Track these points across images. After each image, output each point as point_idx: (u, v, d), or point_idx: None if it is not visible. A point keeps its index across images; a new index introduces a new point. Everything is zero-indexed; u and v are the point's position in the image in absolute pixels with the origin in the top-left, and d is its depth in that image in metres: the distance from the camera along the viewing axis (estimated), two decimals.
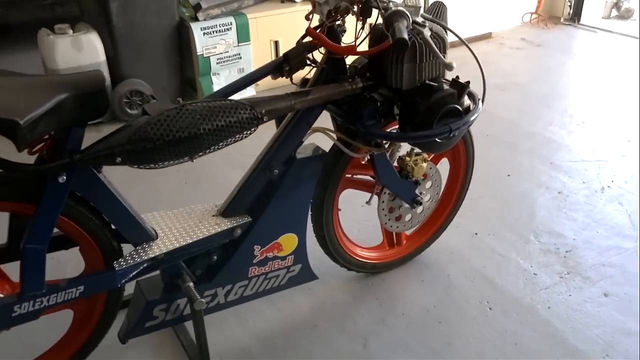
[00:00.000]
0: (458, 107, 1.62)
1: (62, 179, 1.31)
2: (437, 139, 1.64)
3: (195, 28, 3.53)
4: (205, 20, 3.55)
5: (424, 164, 1.91)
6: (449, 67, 1.43)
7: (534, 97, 3.75)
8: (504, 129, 3.29)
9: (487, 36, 4.91)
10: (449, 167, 2.16)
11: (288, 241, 1.79)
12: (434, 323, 1.94)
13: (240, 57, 3.76)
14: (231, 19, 3.64)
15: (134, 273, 1.51)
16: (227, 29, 3.65)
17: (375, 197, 1.96)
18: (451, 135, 1.62)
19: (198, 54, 3.60)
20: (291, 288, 1.93)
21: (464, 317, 1.96)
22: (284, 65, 1.58)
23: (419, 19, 1.51)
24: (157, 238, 1.58)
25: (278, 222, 1.74)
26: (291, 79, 1.63)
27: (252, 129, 1.46)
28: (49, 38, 3.26)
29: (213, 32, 3.60)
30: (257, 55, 3.83)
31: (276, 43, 3.91)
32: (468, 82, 1.63)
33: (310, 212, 1.85)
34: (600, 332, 1.87)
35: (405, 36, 1.34)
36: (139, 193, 2.59)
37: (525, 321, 1.93)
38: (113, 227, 1.49)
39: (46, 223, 1.34)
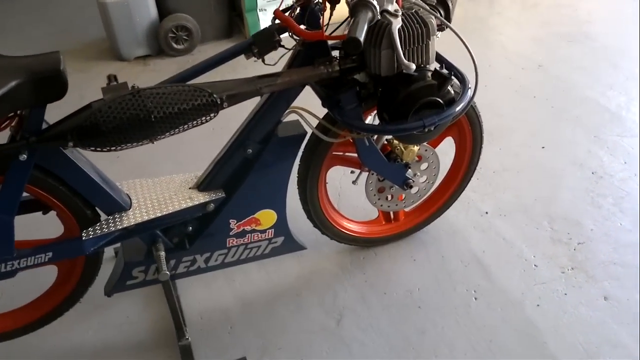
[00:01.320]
0: (438, 99, 1.50)
1: (23, 157, 1.37)
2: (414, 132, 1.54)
3: None
4: None
5: (415, 148, 1.81)
6: (407, 67, 1.32)
7: (603, 52, 3.37)
8: (555, 90, 3.02)
9: None
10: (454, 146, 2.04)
11: (266, 216, 1.80)
12: (414, 307, 1.92)
13: None
14: None
15: (103, 242, 1.59)
16: None
17: (365, 176, 1.91)
18: (425, 130, 1.52)
19: None
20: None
21: (446, 304, 1.92)
22: (252, 46, 1.52)
23: (392, 7, 1.37)
24: (129, 208, 1.64)
25: (254, 198, 1.75)
26: (263, 60, 1.57)
27: (212, 115, 1.43)
28: None
29: None
30: None
31: None
32: (450, 74, 1.49)
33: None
34: (585, 340, 1.78)
35: (360, 35, 1.23)
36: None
37: (508, 317, 1.86)
38: None
39: (11, 196, 1.42)
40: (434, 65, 1.58)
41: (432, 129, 1.54)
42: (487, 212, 2.27)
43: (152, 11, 3.49)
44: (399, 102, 1.50)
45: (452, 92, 1.53)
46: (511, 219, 2.23)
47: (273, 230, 1.84)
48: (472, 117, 1.91)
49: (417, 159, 1.91)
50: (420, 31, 1.45)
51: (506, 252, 2.09)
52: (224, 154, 1.68)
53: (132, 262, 1.73)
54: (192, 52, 3.61)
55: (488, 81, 3.10)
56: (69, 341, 1.87)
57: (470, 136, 1.97)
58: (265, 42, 1.51)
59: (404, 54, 1.46)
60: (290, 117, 1.67)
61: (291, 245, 1.93)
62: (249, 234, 1.82)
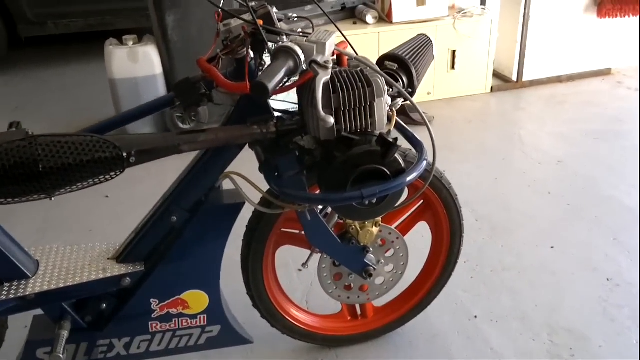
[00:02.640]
0: (382, 168, 1.27)
1: None
2: (355, 204, 1.31)
3: None
4: None
5: (373, 229, 1.56)
6: (324, 121, 1.11)
7: (633, 151, 3.07)
8: (574, 188, 2.72)
9: (604, 72, 4.20)
10: (430, 234, 1.78)
11: (195, 298, 1.55)
12: None
13: None
14: None
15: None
16: None
17: (317, 258, 1.65)
18: (366, 202, 1.28)
19: None
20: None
21: None
22: (174, 100, 1.37)
23: (321, 58, 1.19)
24: (33, 276, 1.44)
25: (178, 276, 1.52)
26: (190, 116, 1.41)
27: (117, 172, 1.25)
28: (109, 48, 3.36)
29: None
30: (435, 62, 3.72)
31: (454, 53, 3.79)
32: (395, 140, 1.27)
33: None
34: None
35: (268, 80, 1.06)
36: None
37: None
38: None
39: None
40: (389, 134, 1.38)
41: (374, 201, 1.30)
42: (476, 316, 1.93)
43: (161, 90, 3.48)
44: (334, 169, 1.28)
45: (402, 162, 1.30)
46: (504, 326, 1.88)
47: (205, 316, 1.59)
48: (447, 201, 1.67)
49: (380, 243, 1.65)
50: (361, 90, 1.26)
51: None
52: (147, 219, 1.48)
53: (34, 340, 1.50)
54: None
55: (499, 174, 2.85)
56: None
57: (446, 223, 1.70)
58: (187, 94, 1.36)
59: (343, 114, 1.27)
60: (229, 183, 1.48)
61: (231, 337, 1.66)
62: (175, 318, 1.57)
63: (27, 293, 1.39)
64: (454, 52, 3.79)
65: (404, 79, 1.50)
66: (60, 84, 4.59)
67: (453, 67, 3.85)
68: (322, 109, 1.24)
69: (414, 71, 1.50)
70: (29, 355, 1.51)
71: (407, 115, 3.44)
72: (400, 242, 1.66)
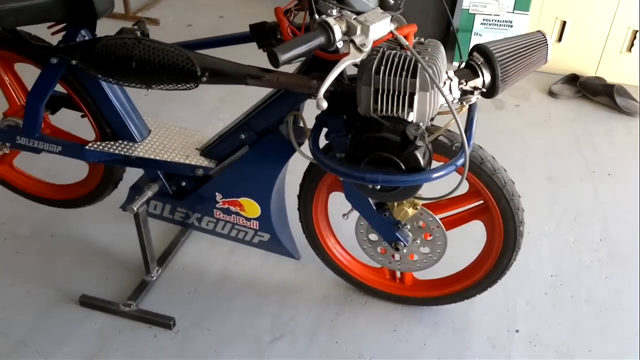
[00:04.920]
0: (395, 159, 1.29)
1: (54, 61, 1.64)
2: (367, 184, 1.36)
3: None
4: None
5: (409, 209, 1.58)
6: (319, 104, 1.16)
7: None
8: None
9: None
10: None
11: (249, 205, 1.80)
12: None
13: (512, 26, 3.33)
14: None
15: (103, 158, 1.80)
16: None
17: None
18: (370, 186, 1.33)
19: (463, 7, 3.35)
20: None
21: None
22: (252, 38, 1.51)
23: (360, 40, 1.21)
24: (140, 141, 1.81)
25: (238, 183, 1.76)
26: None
27: (191, 84, 1.48)
28: None
29: None
30: (534, 30, 3.32)
31: (563, 24, 3.30)
32: (422, 138, 1.25)
33: None
34: None
35: (282, 54, 1.13)
36: None
37: None
38: None
39: (42, 89, 1.71)
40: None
41: (378, 187, 1.34)
42: (517, 331, 1.85)
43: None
44: (355, 144, 1.34)
45: (422, 160, 1.30)
46: (539, 354, 1.78)
47: (257, 223, 1.83)
48: (505, 212, 1.59)
49: (421, 225, 1.67)
50: (402, 79, 1.26)
51: None
52: (227, 129, 1.73)
53: (135, 187, 1.92)
54: None
55: None
56: (82, 229, 2.20)
57: (500, 233, 1.63)
58: (262, 37, 1.49)
59: (381, 97, 1.30)
60: None
61: (279, 248, 1.90)
62: (234, 215, 1.84)
63: (130, 154, 1.78)
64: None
65: (486, 75, 1.41)
66: None
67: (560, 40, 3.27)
68: (365, 85, 1.29)
69: (498, 71, 1.40)
70: (130, 197, 1.94)
71: (612, 98, 3.04)
72: (440, 231, 1.65)
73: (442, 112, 1.47)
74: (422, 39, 1.39)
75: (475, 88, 1.42)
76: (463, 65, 1.45)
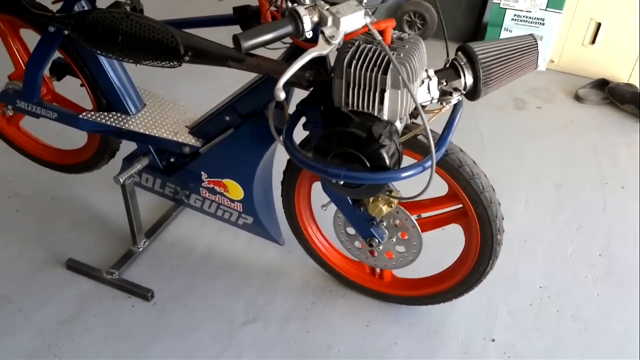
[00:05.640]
0: (359, 155, 1.27)
1: (51, 29, 1.67)
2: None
3: None
4: None
5: (383, 206, 1.55)
6: (276, 94, 1.15)
7: None
8: None
9: None
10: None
11: (233, 187, 1.80)
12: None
13: (543, 24, 3.21)
14: None
15: (96, 128, 1.83)
16: None
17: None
18: (333, 180, 1.31)
19: (495, 1, 3.24)
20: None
21: None
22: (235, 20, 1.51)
23: (330, 32, 1.18)
24: (134, 114, 1.84)
25: (221, 164, 1.77)
26: None
27: (174, 62, 1.49)
28: None
29: None
30: (566, 30, 3.20)
31: (598, 25, 3.15)
32: (388, 136, 1.22)
33: None
34: None
35: (245, 41, 1.12)
36: None
37: None
38: None
39: (41, 56, 1.75)
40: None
41: (340, 183, 1.32)
42: (494, 340, 1.81)
43: None
44: (324, 137, 1.33)
45: (388, 159, 1.27)
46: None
47: (241, 205, 1.84)
48: (482, 218, 1.54)
49: (398, 224, 1.64)
50: (373, 74, 1.23)
51: None
52: (214, 110, 1.73)
53: (127, 159, 1.94)
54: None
55: None
56: (82, 195, 2.27)
57: (477, 238, 1.59)
58: (245, 19, 1.47)
59: (352, 91, 1.27)
60: None
61: (261, 231, 1.91)
62: (219, 195, 1.86)
63: (122, 126, 1.80)
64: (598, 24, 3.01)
65: (468, 77, 1.37)
66: None
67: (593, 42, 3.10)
68: (337, 78, 1.27)
69: (480, 73, 1.35)
70: (123, 169, 1.96)
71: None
72: (415, 231, 1.62)
73: (428, 110, 1.45)
74: (404, 34, 1.35)
75: (456, 89, 1.38)
76: (448, 64, 1.41)
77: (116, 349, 1.73)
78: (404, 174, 1.29)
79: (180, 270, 1.99)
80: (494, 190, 1.55)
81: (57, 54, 1.80)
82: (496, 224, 1.55)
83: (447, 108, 1.42)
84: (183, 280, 1.96)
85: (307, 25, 1.18)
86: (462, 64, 1.36)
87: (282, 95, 1.15)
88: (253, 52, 1.42)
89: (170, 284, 1.93)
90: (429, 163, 1.28)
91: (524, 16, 3.22)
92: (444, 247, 1.85)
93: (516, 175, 2.51)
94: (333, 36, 1.20)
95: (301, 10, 1.17)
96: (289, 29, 1.18)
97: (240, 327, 1.82)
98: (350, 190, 1.37)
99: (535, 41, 1.41)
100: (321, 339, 1.79)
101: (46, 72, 1.94)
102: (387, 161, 1.27)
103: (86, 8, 1.68)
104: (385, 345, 1.78)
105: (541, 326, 1.87)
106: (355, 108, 1.29)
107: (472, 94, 1.40)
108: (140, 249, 2.02)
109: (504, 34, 3.31)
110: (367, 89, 1.26)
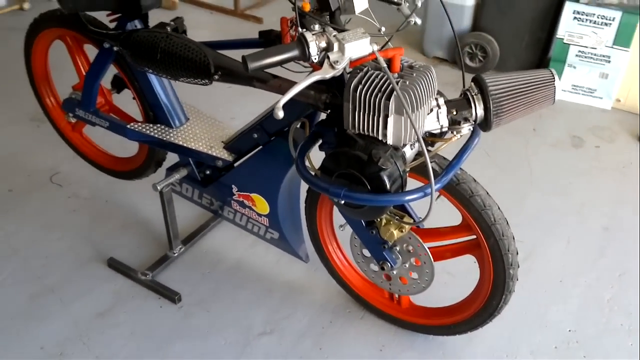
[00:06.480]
0: (360, 176, 1.31)
1: (107, 45, 1.85)
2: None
3: (568, 8, 3.09)
4: (586, 4, 3.03)
5: (394, 230, 1.57)
6: (275, 112, 1.21)
7: None
8: None
9: None
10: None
11: (260, 202, 1.88)
12: None
13: (609, 62, 3.11)
14: (616, 14, 2.99)
15: (142, 138, 1.98)
16: (606, 23, 3.03)
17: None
18: (335, 200, 1.36)
19: (558, 36, 3.19)
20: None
21: None
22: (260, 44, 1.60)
23: (334, 57, 1.24)
24: (176, 127, 1.97)
25: (250, 179, 1.85)
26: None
27: (205, 80, 1.60)
28: None
29: (586, 20, 3.07)
30: (634, 68, 3.07)
31: None
32: (388, 162, 1.27)
33: None
34: None
35: (252, 62, 1.20)
36: None
37: None
38: None
39: (96, 70, 1.94)
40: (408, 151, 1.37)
41: (341, 202, 1.37)
42: None
43: (466, 22, 3.51)
44: (330, 157, 1.38)
45: (388, 183, 1.30)
46: None
47: (267, 220, 1.91)
48: (494, 251, 1.53)
49: (410, 249, 1.65)
50: (377, 100, 1.27)
51: None
52: (246, 127, 1.82)
53: (170, 169, 2.08)
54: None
55: None
56: (133, 200, 2.43)
57: (490, 271, 1.57)
58: (269, 43, 1.56)
59: (356, 115, 1.32)
60: None
61: (286, 247, 1.97)
62: (248, 208, 1.94)
63: (164, 138, 1.94)
64: None
65: (479, 108, 1.37)
66: None
67: None
68: (346, 101, 1.32)
69: (490, 105, 1.36)
70: (166, 177, 2.10)
71: None
72: (427, 258, 1.62)
73: (441, 139, 1.47)
74: (415, 63, 1.38)
75: (466, 119, 1.39)
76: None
77: (139, 344, 1.84)
78: (402, 198, 1.32)
79: (209, 277, 2.09)
80: (507, 223, 1.53)
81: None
82: (508, 258, 1.52)
83: (458, 137, 1.43)
84: (211, 287, 2.05)
85: (314, 50, 1.25)
86: (473, 94, 1.38)
87: (280, 114, 1.22)
88: (277, 74, 1.55)
89: (198, 290, 2.03)
90: (429, 189, 1.30)
91: (588, 53, 3.13)
92: (468, 278, 1.83)
93: (562, 214, 2.43)
94: (337, 61, 1.26)
95: (309, 36, 1.24)
96: (295, 52, 1.25)
97: (256, 337, 1.88)
98: (352, 211, 1.41)
99: (552, 76, 1.40)
100: (333, 357, 1.82)
101: (108, 85, 2.14)
102: (387, 184, 1.30)
103: (138, 27, 1.84)
104: None
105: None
106: (361, 131, 1.34)
107: (484, 125, 1.40)
108: (176, 254, 2.14)
109: (567, 71, 3.22)
110: (371, 113, 1.30)
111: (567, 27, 3.12)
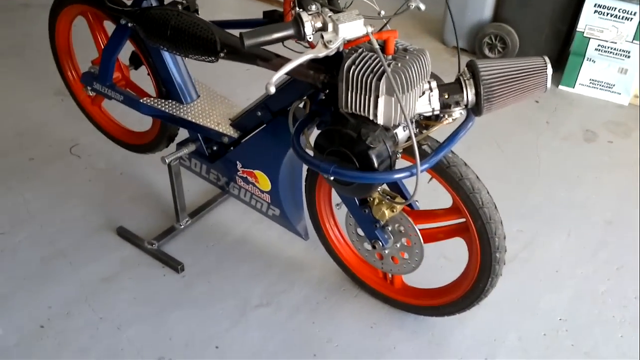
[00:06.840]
0: (349, 153, 1.36)
1: (123, 22, 1.93)
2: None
3: (589, 1, 3.05)
4: None
5: (386, 210, 1.61)
6: (267, 88, 1.26)
7: None
8: None
9: None
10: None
11: (262, 179, 1.94)
12: (319, 350, 1.81)
13: (629, 57, 3.08)
14: (637, 9, 2.95)
15: (154, 113, 2.05)
16: (627, 18, 3.00)
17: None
18: (325, 176, 1.41)
19: (578, 29, 3.16)
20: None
21: None
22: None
23: (328, 37, 1.29)
24: (186, 104, 2.04)
25: (253, 155, 1.91)
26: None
27: (211, 57, 1.66)
28: None
29: (607, 13, 3.04)
30: None
31: None
32: (376, 140, 1.31)
33: None
34: None
35: (248, 39, 1.26)
36: None
37: None
38: None
39: (113, 44, 2.02)
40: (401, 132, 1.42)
41: (331, 178, 1.42)
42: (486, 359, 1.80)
43: (487, 12, 3.49)
44: (323, 134, 1.44)
45: (376, 161, 1.35)
46: None
47: (269, 196, 1.98)
48: (481, 234, 1.57)
49: (402, 230, 1.69)
50: (369, 80, 1.32)
51: None
52: (251, 105, 1.88)
53: (180, 144, 2.15)
54: None
55: None
56: (146, 173, 2.52)
57: (477, 254, 1.61)
58: (273, 22, 1.60)
59: (351, 94, 1.37)
60: None
61: (287, 224, 2.03)
62: (251, 185, 2.01)
63: (174, 113, 2.01)
64: None
65: (470, 93, 1.41)
66: None
67: None
68: (340, 81, 1.37)
69: (481, 89, 1.39)
70: (177, 150, 2.17)
71: None
72: (417, 239, 1.66)
73: (434, 122, 1.50)
74: (410, 46, 1.42)
75: (457, 103, 1.42)
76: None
77: (140, 309, 1.93)
78: (389, 176, 1.36)
79: (213, 250, 2.17)
80: (496, 207, 1.57)
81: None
82: (495, 241, 1.56)
83: (450, 121, 1.46)
84: (213, 259, 2.13)
85: (309, 29, 1.30)
86: (466, 79, 1.41)
87: (272, 90, 1.28)
88: (279, 53, 1.61)
89: (200, 261, 2.11)
90: (414, 170, 1.34)
91: (608, 47, 3.10)
92: (464, 263, 1.86)
93: (566, 206, 2.44)
94: (330, 41, 1.30)
95: (304, 16, 1.29)
96: (290, 31, 1.30)
97: (253, 308, 1.95)
98: (343, 188, 1.47)
99: (545, 63, 1.42)
100: (324, 331, 1.88)
101: (126, 61, 2.22)
102: (375, 162, 1.35)
103: (153, 4, 1.91)
104: (384, 347, 1.84)
105: (550, 357, 1.82)
106: (354, 111, 1.39)
107: (476, 109, 1.43)
108: (182, 226, 2.22)
109: (586, 65, 3.20)
110: (363, 93, 1.35)
111: (587, 20, 3.10)
